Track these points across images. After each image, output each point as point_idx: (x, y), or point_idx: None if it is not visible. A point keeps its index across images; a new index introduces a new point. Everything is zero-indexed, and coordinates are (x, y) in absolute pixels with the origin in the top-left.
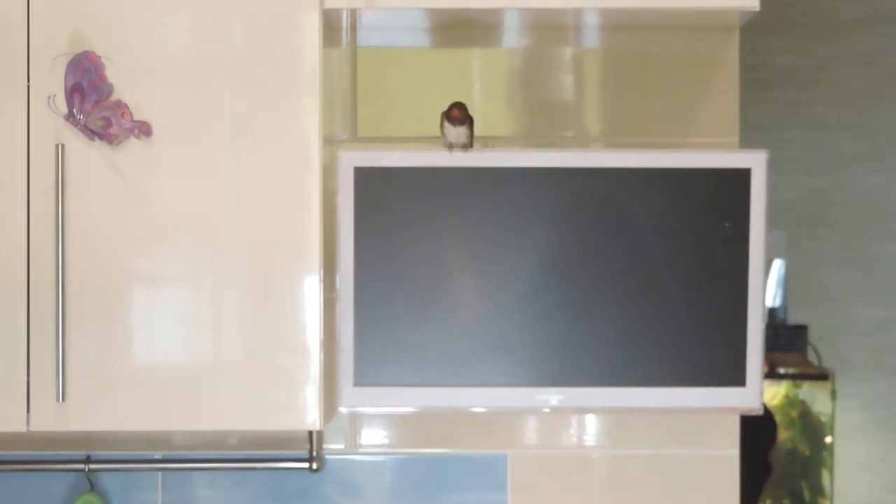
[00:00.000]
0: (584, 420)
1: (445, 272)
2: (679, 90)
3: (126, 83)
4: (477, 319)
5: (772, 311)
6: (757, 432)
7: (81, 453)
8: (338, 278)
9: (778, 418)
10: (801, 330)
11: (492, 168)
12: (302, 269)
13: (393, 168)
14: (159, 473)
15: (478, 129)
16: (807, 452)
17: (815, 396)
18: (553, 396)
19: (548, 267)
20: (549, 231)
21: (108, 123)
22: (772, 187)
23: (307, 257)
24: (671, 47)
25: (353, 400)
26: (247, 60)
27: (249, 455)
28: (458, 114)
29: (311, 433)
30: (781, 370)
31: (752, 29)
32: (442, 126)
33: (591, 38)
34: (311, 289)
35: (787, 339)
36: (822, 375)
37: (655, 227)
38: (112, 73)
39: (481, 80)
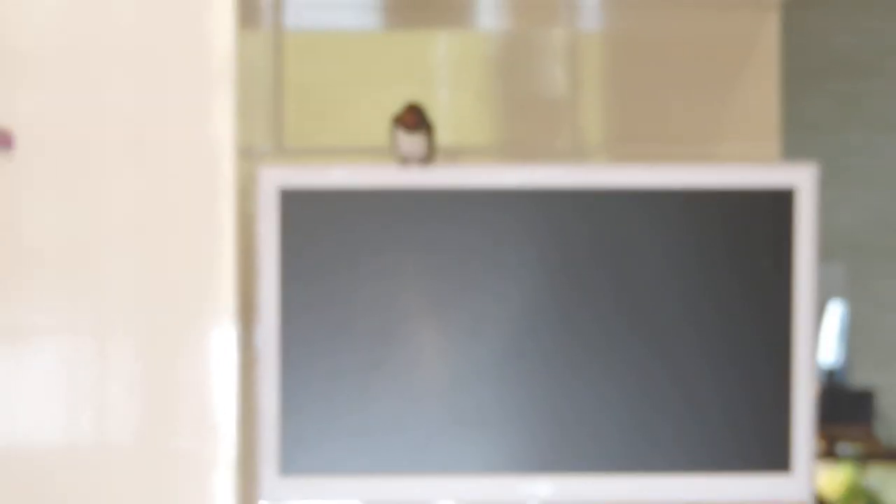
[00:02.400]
0: None
1: (399, 324)
2: (702, 84)
3: None
4: (441, 385)
5: (827, 372)
6: None
7: None
8: (258, 332)
9: None
10: (866, 396)
11: (459, 189)
12: (211, 320)
13: (330, 190)
14: None
15: (442, 138)
16: None
17: (887, 483)
18: (542, 486)
19: (533, 317)
20: (534, 271)
21: None
22: (826, 207)
23: (218, 304)
24: (692, 28)
25: (279, 492)
26: (139, 48)
27: None
28: (413, 118)
29: None
30: (841, 449)
31: (799, 1)
32: (393, 134)
33: (591, 18)
34: (224, 346)
35: (848, 408)
36: (895, 455)
37: (672, 266)
38: None
39: (446, 73)
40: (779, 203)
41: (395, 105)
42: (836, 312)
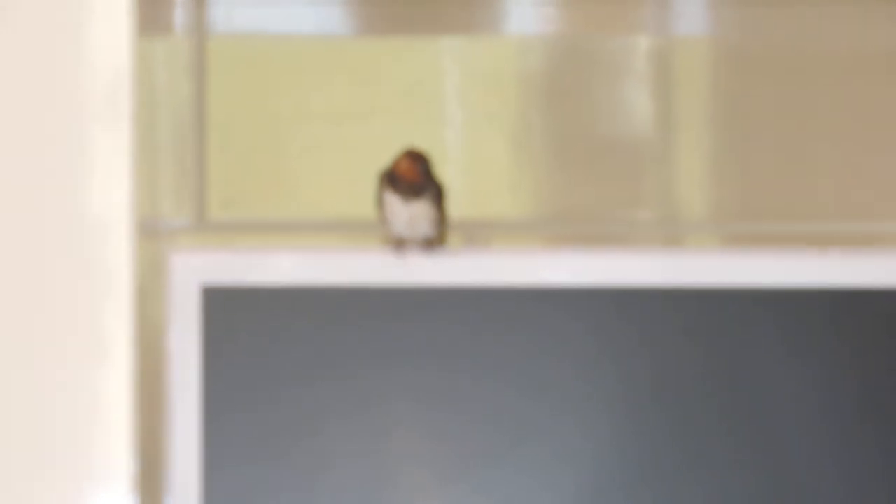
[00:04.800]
0: None
1: (392, 497)
2: (865, 126)
3: None
4: None
5: None
6: None
7: None
8: None
9: None
10: None
11: (485, 290)
12: (98, 489)
13: (279, 289)
14: None
15: (457, 207)
16: None
17: None
18: None
19: (606, 485)
20: (607, 415)
21: None
22: None
23: (108, 464)
24: (846, 37)
25: None
26: None
27: None
28: (412, 176)
29: None
30: None
31: None
32: (381, 199)
33: (692, 19)
34: None
35: None
36: None
37: (825, 408)
38: None
39: (463, 103)
40: None
41: (383, 155)
42: None
